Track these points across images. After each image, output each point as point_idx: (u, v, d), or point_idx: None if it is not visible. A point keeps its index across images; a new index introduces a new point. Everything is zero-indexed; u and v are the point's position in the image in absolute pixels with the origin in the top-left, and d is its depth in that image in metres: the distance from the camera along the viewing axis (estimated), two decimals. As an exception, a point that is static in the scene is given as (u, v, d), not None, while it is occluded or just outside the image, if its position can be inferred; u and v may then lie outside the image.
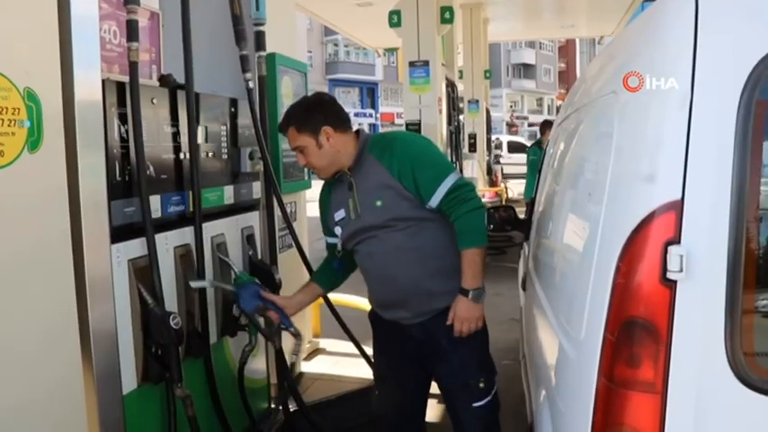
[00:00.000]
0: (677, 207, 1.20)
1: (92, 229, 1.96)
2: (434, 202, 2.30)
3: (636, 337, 1.23)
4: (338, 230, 2.43)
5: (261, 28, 3.22)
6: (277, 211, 3.36)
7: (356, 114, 43.64)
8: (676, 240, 1.20)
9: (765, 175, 1.23)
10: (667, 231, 1.20)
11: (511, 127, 46.33)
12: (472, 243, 2.32)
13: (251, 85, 3.03)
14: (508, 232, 3.90)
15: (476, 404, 2.42)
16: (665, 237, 1.20)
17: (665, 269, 1.20)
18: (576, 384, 1.46)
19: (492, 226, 4.12)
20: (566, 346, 1.63)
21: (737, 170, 1.19)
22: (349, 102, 44.29)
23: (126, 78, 2.29)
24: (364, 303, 4.47)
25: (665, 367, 1.22)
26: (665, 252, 1.20)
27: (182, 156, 2.61)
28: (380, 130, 44.19)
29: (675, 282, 1.20)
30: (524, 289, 3.14)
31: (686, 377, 1.22)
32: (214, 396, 2.82)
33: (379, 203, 2.33)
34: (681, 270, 1.18)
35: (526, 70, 59.10)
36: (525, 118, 56.06)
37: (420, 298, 2.38)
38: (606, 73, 1.87)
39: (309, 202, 4.30)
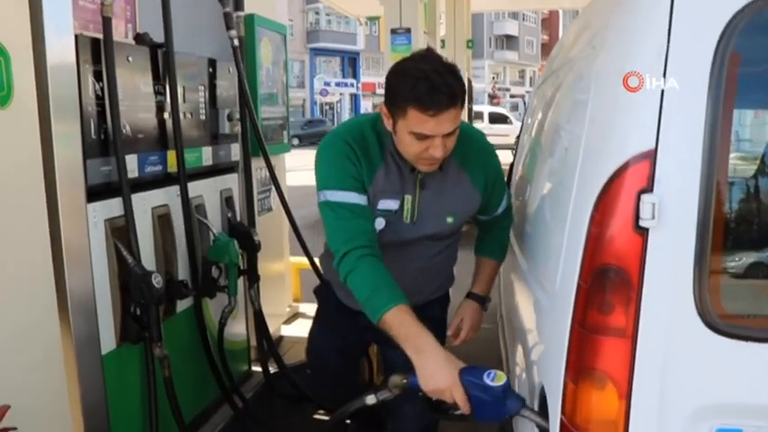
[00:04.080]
0: (651, 156, 1.22)
1: (67, 187, 1.94)
2: (496, 212, 2.20)
3: (608, 283, 1.26)
4: (379, 223, 1.99)
5: (240, -14, 3.18)
6: (255, 174, 3.36)
7: (337, 84, 43.37)
8: (649, 189, 1.22)
9: (736, 125, 1.25)
10: (641, 180, 1.22)
11: (493, 98, 46.34)
12: (503, 255, 2.32)
13: (235, 42, 2.99)
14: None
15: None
16: (638, 186, 1.22)
17: (638, 217, 1.22)
18: (550, 333, 1.49)
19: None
20: (541, 298, 1.66)
21: (710, 121, 1.21)
22: (330, 71, 43.96)
23: (100, 35, 2.26)
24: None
25: (635, 313, 1.24)
26: (639, 201, 1.22)
27: (159, 115, 2.58)
28: (362, 100, 44.09)
29: (647, 229, 1.22)
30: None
31: (656, 322, 1.24)
32: (208, 352, 2.88)
33: (450, 220, 2.05)
34: (653, 218, 1.20)
35: (509, 41, 58.93)
36: (507, 89, 56.07)
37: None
38: (587, 30, 1.87)
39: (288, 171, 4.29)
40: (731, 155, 1.26)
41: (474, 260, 2.37)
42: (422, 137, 1.78)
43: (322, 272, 2.43)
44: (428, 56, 1.83)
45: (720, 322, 1.23)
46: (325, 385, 2.50)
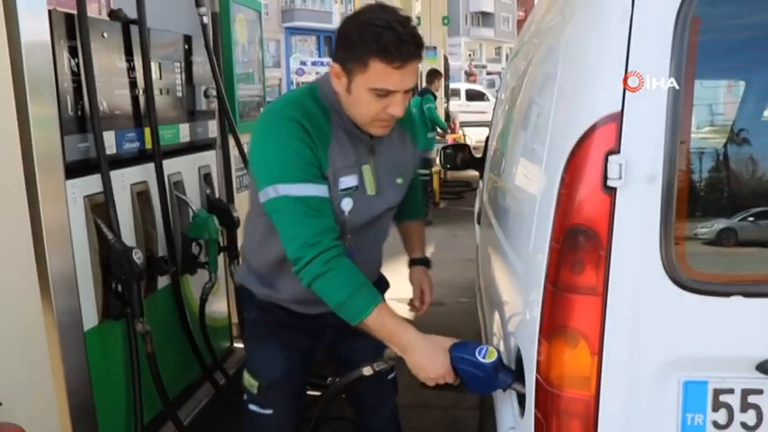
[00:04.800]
0: (617, 119, 1.26)
1: (45, 164, 1.94)
2: (416, 170, 2.11)
3: (579, 243, 1.30)
4: (347, 204, 1.83)
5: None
6: (233, 151, 3.36)
7: (313, 63, 42.92)
8: (616, 150, 1.26)
9: (698, 88, 1.30)
10: (608, 142, 1.26)
11: (469, 76, 46.26)
12: (423, 213, 2.33)
13: (205, 20, 2.99)
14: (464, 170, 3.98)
15: (389, 377, 2.18)
16: (606, 147, 1.27)
17: (605, 177, 1.26)
18: (524, 295, 1.54)
19: (449, 165, 4.20)
20: (516, 263, 1.71)
21: (673, 83, 1.25)
22: (306, 50, 43.55)
23: (73, 10, 2.24)
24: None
25: (605, 271, 1.29)
26: (606, 161, 1.26)
27: (136, 92, 2.58)
28: (339, 79, 43.71)
29: (615, 189, 1.27)
30: (479, 223, 3.23)
31: (624, 279, 1.29)
32: (185, 328, 2.88)
33: (400, 181, 1.96)
34: (620, 177, 1.25)
35: (485, 18, 58.83)
36: (484, 66, 56.02)
37: None
38: (555, 4, 1.90)
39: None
40: (695, 118, 1.30)
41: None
42: (383, 93, 1.68)
43: (248, 286, 2.05)
44: (385, 7, 1.72)
45: (686, 278, 1.29)
46: (288, 411, 2.11)
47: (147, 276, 2.51)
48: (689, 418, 1.35)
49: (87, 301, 2.25)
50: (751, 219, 1.35)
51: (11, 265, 1.90)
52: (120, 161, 2.48)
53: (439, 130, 9.03)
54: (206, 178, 3.10)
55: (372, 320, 1.68)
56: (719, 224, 1.36)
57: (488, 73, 51.44)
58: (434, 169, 8.97)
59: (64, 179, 2.08)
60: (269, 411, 2.05)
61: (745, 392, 1.33)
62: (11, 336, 1.90)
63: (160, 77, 2.75)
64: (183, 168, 2.91)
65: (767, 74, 1.42)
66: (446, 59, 16.53)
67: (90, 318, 2.28)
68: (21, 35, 1.83)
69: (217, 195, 3.19)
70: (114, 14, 2.60)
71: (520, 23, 61.50)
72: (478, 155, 4.04)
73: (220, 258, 3.07)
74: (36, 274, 1.97)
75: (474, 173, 3.97)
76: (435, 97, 8.90)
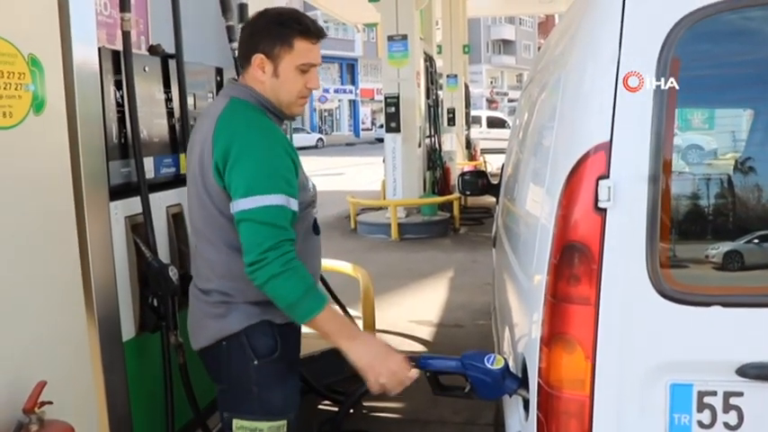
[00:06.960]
0: (606, 147, 1.42)
1: (92, 187, 2.12)
2: None
3: (574, 258, 1.45)
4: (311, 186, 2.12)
5: (244, 0, 3.38)
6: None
7: (336, 90, 43.60)
8: (606, 175, 1.42)
9: (678, 119, 1.45)
10: (599, 168, 1.42)
11: (491, 103, 46.55)
12: None
13: (237, 54, 3.19)
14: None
15: None
16: (597, 172, 1.42)
17: (597, 199, 1.42)
18: (529, 308, 1.68)
19: (469, 192, 4.34)
20: (522, 280, 1.85)
21: (656, 115, 1.41)
22: (329, 78, 44.14)
23: (118, 47, 2.45)
24: (343, 267, 4.72)
25: (597, 283, 1.43)
26: (597, 185, 1.41)
27: (172, 121, 2.78)
28: (360, 106, 44.29)
29: (605, 210, 1.42)
30: (494, 246, 3.37)
31: (614, 291, 1.44)
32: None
33: None
34: (609, 199, 1.40)
35: (506, 46, 59.26)
36: (505, 94, 56.33)
37: None
38: (562, 36, 2.07)
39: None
40: (676, 146, 1.46)
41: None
42: (306, 68, 1.96)
43: (266, 317, 2.03)
44: (280, 7, 2.10)
45: (670, 289, 1.43)
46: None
47: (180, 292, 2.68)
48: (676, 418, 1.48)
49: (126, 313, 2.42)
50: (731, 236, 1.50)
51: (59, 277, 2.07)
52: (158, 185, 2.67)
53: None
54: (235, 201, 3.27)
55: (324, 315, 1.83)
56: (701, 241, 1.50)
57: (510, 100, 51.73)
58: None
59: (108, 201, 2.26)
60: None
61: (727, 395, 1.46)
62: (58, 344, 2.06)
63: (195, 107, 2.95)
64: (215, 192, 3.08)
65: (741, 106, 1.58)
66: (467, 87, 16.75)
67: (128, 329, 2.45)
68: (74, 70, 2.03)
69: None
70: (153, 50, 2.81)
71: (541, 51, 61.84)
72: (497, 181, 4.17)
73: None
74: (81, 286, 2.14)
75: (493, 199, 4.11)
76: None
